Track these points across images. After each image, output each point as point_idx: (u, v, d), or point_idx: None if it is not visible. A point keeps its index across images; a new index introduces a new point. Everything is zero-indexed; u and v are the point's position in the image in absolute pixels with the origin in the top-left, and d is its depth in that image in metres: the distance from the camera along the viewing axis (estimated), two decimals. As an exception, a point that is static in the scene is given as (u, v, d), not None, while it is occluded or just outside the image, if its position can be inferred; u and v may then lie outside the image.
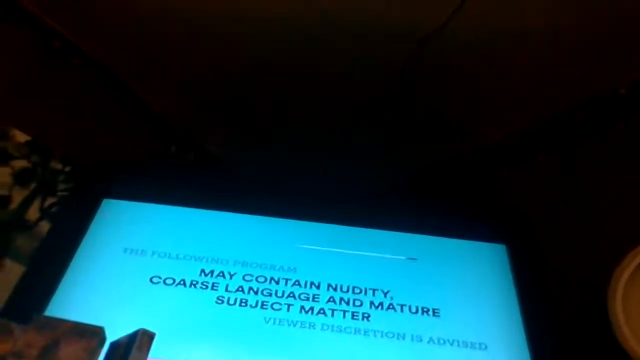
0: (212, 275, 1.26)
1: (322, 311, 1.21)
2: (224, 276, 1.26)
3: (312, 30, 1.50)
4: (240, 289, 1.24)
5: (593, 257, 1.38)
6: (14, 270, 1.25)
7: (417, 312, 1.22)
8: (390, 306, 1.23)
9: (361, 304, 1.23)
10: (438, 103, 1.71)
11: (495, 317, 1.23)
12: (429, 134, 1.84)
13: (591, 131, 1.54)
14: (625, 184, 1.42)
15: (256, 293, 1.23)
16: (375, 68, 1.60)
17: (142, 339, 0.96)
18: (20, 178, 1.35)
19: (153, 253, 1.30)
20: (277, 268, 1.29)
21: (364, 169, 2.00)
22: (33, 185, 1.36)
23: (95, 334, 0.97)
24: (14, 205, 1.31)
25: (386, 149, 1.95)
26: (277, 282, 1.26)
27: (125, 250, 1.29)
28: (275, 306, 1.21)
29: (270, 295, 1.23)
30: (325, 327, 1.18)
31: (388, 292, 1.26)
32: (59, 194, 1.42)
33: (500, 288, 1.29)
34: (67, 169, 1.46)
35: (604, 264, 1.29)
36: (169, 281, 1.24)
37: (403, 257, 1.34)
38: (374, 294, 1.25)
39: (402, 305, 1.23)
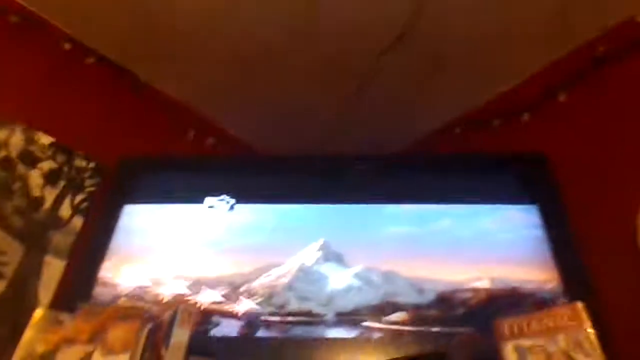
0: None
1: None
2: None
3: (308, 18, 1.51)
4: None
5: (619, 196, 1.34)
6: (56, 264, 1.32)
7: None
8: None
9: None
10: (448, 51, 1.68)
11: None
12: (440, 89, 1.82)
13: (611, 64, 1.48)
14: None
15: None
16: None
17: (182, 316, 1.01)
18: (50, 178, 1.40)
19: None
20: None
21: (377, 134, 2.00)
22: (62, 184, 1.42)
23: (138, 316, 1.03)
24: (47, 205, 1.37)
25: (395, 109, 1.96)
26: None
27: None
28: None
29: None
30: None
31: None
32: (87, 190, 1.47)
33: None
34: (91, 165, 1.51)
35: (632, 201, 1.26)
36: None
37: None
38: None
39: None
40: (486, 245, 1.36)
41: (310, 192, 1.48)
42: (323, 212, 1.46)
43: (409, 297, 1.28)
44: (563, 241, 1.25)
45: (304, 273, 1.37)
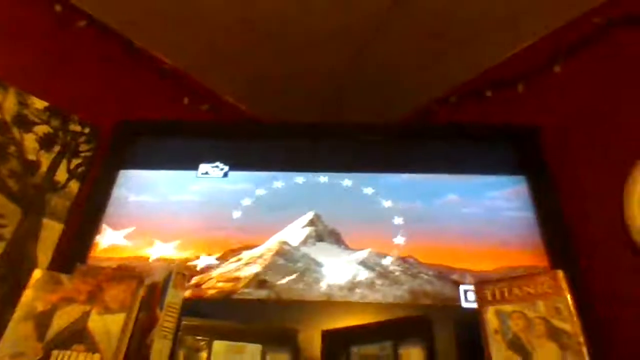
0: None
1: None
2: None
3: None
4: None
5: (609, 168, 1.36)
6: (53, 227, 1.34)
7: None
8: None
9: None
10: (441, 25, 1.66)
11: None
12: (433, 61, 1.81)
13: (608, 36, 1.48)
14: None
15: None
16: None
17: (176, 278, 1.04)
18: (45, 143, 1.41)
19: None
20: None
21: (375, 103, 2.00)
22: (57, 149, 1.43)
23: (133, 277, 1.06)
24: (43, 169, 1.38)
25: (392, 79, 1.92)
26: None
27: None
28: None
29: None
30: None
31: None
32: (82, 154, 1.48)
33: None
34: (86, 130, 1.51)
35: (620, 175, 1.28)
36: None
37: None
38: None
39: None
40: (491, 224, 1.23)
41: (304, 159, 1.43)
42: (315, 182, 1.34)
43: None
44: (549, 211, 1.28)
45: (285, 258, 1.04)
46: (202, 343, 0.96)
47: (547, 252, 1.22)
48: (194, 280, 1.11)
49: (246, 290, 1.06)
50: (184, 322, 0.98)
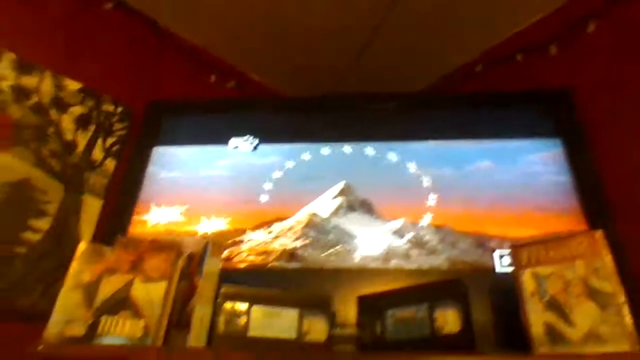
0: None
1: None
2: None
3: None
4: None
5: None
6: (93, 203, 1.40)
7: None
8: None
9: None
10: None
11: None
12: (461, 25, 1.76)
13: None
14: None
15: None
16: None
17: (213, 248, 1.07)
18: (81, 123, 1.46)
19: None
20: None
21: (397, 74, 1.97)
22: (92, 128, 1.47)
23: (172, 248, 1.09)
24: (80, 148, 1.43)
25: (414, 50, 1.89)
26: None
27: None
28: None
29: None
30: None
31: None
32: (117, 133, 1.52)
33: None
34: (119, 109, 1.55)
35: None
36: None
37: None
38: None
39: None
40: (526, 189, 1.20)
41: (332, 131, 1.42)
42: (345, 152, 1.35)
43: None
44: (585, 173, 1.25)
45: (316, 230, 1.01)
46: (242, 309, 0.99)
47: (585, 216, 1.19)
48: (224, 253, 1.12)
49: (277, 263, 1.07)
50: (223, 290, 1.01)
